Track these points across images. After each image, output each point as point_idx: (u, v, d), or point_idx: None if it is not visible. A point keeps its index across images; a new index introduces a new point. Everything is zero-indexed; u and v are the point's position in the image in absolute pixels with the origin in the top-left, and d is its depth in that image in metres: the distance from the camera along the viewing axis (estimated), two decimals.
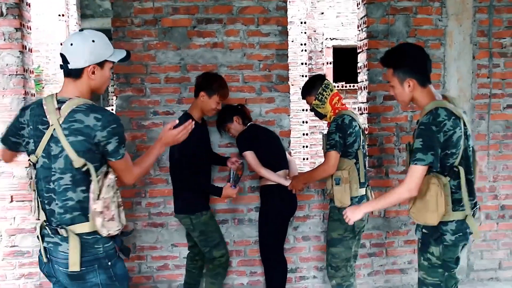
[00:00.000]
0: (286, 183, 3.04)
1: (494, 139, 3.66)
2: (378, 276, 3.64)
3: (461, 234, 2.11)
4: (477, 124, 3.64)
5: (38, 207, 1.87)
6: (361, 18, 3.66)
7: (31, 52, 3.33)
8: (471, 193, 2.15)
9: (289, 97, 3.52)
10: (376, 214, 3.41)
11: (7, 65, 3.14)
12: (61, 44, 8.64)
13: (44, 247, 1.86)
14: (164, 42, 3.34)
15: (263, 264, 3.25)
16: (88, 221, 1.79)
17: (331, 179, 2.81)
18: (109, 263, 1.84)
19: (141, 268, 3.46)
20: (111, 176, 1.81)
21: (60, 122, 1.75)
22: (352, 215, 2.28)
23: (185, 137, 2.07)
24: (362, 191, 2.86)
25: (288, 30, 3.51)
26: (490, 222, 3.71)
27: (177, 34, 3.35)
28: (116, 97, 3.37)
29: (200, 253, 3.15)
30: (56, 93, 1.86)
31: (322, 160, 2.91)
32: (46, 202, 1.83)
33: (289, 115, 3.51)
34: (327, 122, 2.95)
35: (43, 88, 8.90)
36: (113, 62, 1.93)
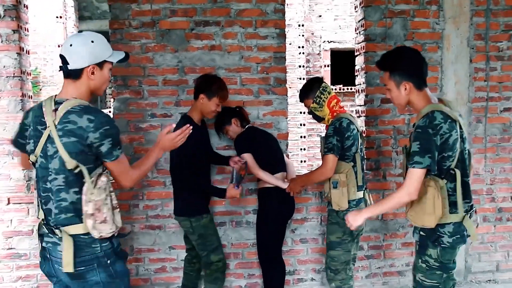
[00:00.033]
0: (284, 185, 3.04)
1: (491, 142, 3.68)
2: (376, 278, 3.64)
3: (458, 236, 2.12)
4: (474, 127, 3.65)
5: (38, 206, 1.88)
6: (359, 21, 3.67)
7: (28, 54, 3.33)
8: (467, 195, 2.16)
9: (286, 99, 3.53)
10: (374, 216, 3.42)
11: (4, 67, 3.14)
12: (59, 46, 8.65)
13: (44, 247, 1.87)
14: (162, 44, 3.35)
15: (261, 267, 3.24)
16: (82, 222, 1.79)
17: (329, 182, 2.81)
18: (108, 261, 1.84)
19: (139, 270, 3.45)
20: (103, 179, 1.80)
21: (56, 123, 1.76)
22: (354, 221, 2.27)
23: (183, 142, 2.07)
24: (360, 194, 2.86)
25: (286, 32, 3.51)
26: (487, 224, 3.72)
27: (175, 37, 3.35)
28: (114, 99, 3.37)
29: (198, 256, 3.13)
30: (56, 95, 1.88)
31: (320, 162, 2.91)
32: (43, 201, 1.85)
33: (286, 118, 3.52)
34: (325, 125, 2.95)
35: (40, 90, 8.89)
36: (112, 63, 1.94)
